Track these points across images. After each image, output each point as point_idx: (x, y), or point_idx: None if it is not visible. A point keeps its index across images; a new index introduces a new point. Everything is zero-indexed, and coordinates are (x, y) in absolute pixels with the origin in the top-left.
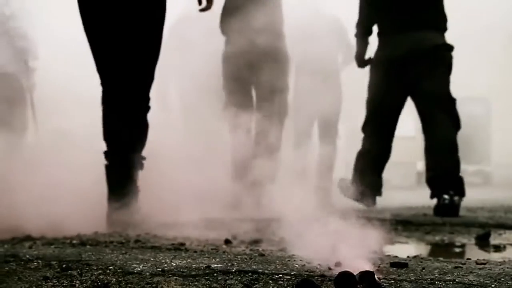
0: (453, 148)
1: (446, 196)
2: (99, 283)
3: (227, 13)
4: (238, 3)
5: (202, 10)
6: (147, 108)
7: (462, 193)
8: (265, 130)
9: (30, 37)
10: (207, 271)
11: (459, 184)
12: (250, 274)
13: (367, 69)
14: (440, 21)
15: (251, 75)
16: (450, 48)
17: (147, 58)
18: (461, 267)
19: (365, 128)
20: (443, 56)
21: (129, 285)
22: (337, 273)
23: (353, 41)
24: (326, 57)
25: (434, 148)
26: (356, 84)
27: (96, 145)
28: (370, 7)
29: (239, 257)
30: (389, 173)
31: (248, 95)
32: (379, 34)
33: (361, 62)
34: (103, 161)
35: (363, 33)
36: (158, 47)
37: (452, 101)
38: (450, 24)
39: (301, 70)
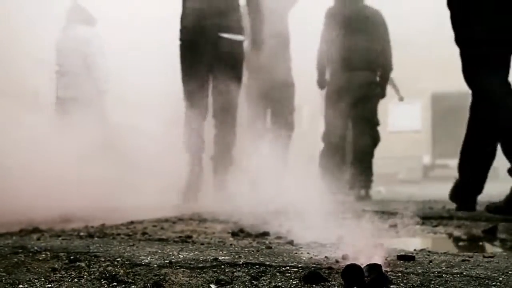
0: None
1: None
2: (107, 275)
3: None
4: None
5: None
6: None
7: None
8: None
9: (104, 68)
10: (214, 263)
11: None
12: (257, 266)
13: None
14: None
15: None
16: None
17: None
18: (468, 261)
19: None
20: (373, 90)
21: (137, 276)
22: (344, 266)
23: None
24: None
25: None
26: None
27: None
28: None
29: (246, 249)
30: (395, 167)
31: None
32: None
33: (322, 86)
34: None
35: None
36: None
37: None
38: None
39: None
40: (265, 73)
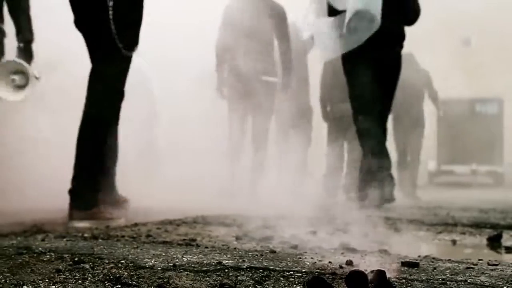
0: None
1: None
2: (111, 277)
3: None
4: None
5: None
6: None
7: None
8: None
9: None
10: (218, 267)
11: None
12: (261, 270)
13: None
14: None
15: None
16: None
17: None
18: (472, 268)
19: None
20: None
21: (141, 279)
22: (348, 272)
23: None
24: None
25: None
26: None
27: None
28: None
29: (250, 253)
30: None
31: None
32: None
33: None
34: None
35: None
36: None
37: None
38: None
39: None
40: (290, 104)
